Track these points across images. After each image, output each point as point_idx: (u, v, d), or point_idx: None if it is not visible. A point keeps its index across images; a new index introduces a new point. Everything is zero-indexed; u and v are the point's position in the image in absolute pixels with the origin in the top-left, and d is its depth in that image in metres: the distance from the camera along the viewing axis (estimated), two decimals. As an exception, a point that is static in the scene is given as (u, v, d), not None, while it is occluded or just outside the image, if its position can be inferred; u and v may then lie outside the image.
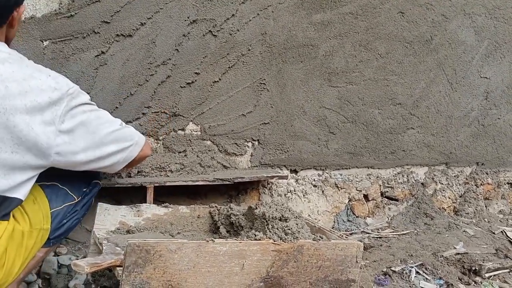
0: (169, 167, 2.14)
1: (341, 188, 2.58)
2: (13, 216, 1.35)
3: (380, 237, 2.46)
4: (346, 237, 1.63)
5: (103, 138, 1.37)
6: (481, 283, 2.07)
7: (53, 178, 1.48)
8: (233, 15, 2.14)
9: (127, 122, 2.05)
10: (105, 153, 1.39)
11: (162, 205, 1.83)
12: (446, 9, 2.59)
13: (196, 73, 2.13)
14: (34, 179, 1.34)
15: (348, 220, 2.59)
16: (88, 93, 1.89)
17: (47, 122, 1.26)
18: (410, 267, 2.10)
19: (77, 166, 1.39)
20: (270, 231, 1.48)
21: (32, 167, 1.29)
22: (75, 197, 1.52)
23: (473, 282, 2.07)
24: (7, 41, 1.38)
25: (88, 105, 1.37)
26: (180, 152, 2.18)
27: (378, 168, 2.65)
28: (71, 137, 1.31)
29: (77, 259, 1.40)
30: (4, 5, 1.28)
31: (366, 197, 2.66)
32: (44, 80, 1.28)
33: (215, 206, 1.83)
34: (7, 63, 1.26)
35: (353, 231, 2.53)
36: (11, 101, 1.22)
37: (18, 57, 1.32)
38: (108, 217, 1.68)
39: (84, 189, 1.56)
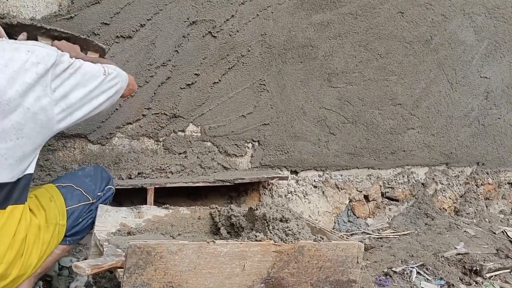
0: (169, 168, 2.14)
1: (342, 189, 2.58)
2: (30, 210, 1.40)
3: (380, 238, 2.46)
4: (346, 237, 1.63)
5: (92, 92, 1.43)
6: (482, 283, 2.06)
7: (69, 181, 1.58)
8: (232, 16, 2.14)
9: (127, 124, 2.06)
10: (97, 104, 1.46)
11: (163, 206, 1.83)
12: (446, 9, 2.59)
13: (196, 74, 2.13)
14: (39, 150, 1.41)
15: (349, 221, 2.59)
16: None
17: (40, 95, 1.30)
18: (411, 267, 2.10)
19: (76, 122, 1.45)
20: (270, 232, 1.47)
21: (39, 144, 1.35)
22: (90, 198, 1.59)
23: (474, 283, 2.07)
24: None
25: (71, 66, 1.39)
26: (180, 154, 2.18)
27: (379, 169, 2.65)
28: (66, 101, 1.36)
29: (78, 261, 1.40)
30: None
31: (366, 197, 2.66)
32: (25, 59, 1.28)
33: (216, 207, 1.83)
34: None
35: (353, 232, 2.53)
36: (2, 92, 1.23)
37: None
38: (109, 219, 1.68)
39: (99, 193, 1.64)
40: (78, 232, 1.57)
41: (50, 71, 1.32)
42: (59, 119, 1.35)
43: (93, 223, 1.62)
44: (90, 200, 1.59)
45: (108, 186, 1.68)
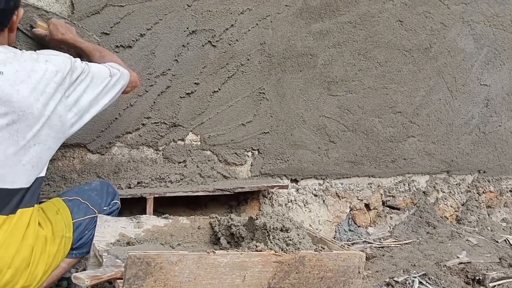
0: (169, 177, 2.13)
1: (342, 197, 2.57)
2: (38, 222, 1.42)
3: (382, 247, 2.44)
4: (348, 247, 1.62)
5: (99, 94, 1.50)
6: (485, 292, 2.05)
7: (75, 195, 1.61)
8: (232, 25, 2.15)
9: (127, 133, 2.05)
10: (102, 104, 1.53)
11: (162, 216, 1.82)
12: (445, 17, 2.60)
13: (195, 83, 2.13)
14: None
15: (350, 230, 2.58)
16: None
17: (57, 103, 1.37)
18: (413, 277, 2.08)
19: (85, 123, 1.51)
20: (271, 242, 1.46)
21: (54, 148, 1.42)
22: (96, 211, 1.61)
23: (477, 292, 2.05)
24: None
25: (83, 72, 1.46)
26: (180, 163, 2.17)
27: (379, 177, 2.64)
28: (78, 106, 1.44)
29: (77, 272, 1.39)
30: (6, 8, 1.34)
31: (367, 206, 2.65)
32: (45, 69, 1.35)
33: (216, 217, 1.82)
34: (8, 64, 1.31)
35: (354, 241, 2.51)
36: (25, 102, 1.30)
37: (12, 53, 1.36)
38: (108, 229, 1.67)
39: (105, 208, 1.66)
40: (84, 244, 1.58)
41: (67, 78, 1.39)
42: (72, 123, 1.43)
43: None
44: (96, 213, 1.60)
45: (114, 201, 1.70)
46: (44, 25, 1.75)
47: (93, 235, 1.59)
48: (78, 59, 1.47)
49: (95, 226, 1.60)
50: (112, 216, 1.70)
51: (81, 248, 1.58)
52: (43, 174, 1.41)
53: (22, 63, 1.32)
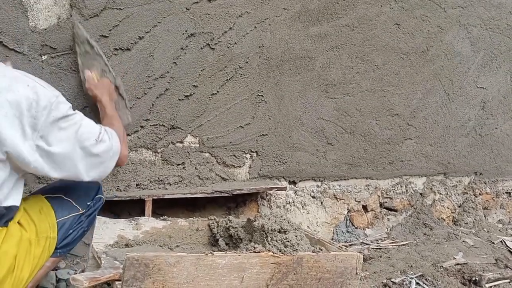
0: (167, 179, 2.13)
1: (340, 199, 2.58)
2: (20, 223, 1.38)
3: (379, 248, 2.45)
4: (345, 248, 1.63)
5: (78, 154, 1.37)
6: (482, 293, 2.06)
7: (58, 191, 1.54)
8: (230, 28, 2.16)
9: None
10: (76, 170, 1.39)
11: (161, 218, 1.82)
12: (442, 20, 2.62)
13: (194, 85, 2.14)
14: (22, 183, 1.35)
15: (347, 231, 2.59)
16: (86, 107, 1.92)
17: (25, 134, 1.25)
18: (410, 278, 2.09)
19: (53, 178, 1.43)
20: (269, 244, 1.47)
21: (16, 177, 1.31)
22: (80, 209, 1.55)
23: (474, 293, 2.06)
24: None
25: (66, 118, 1.33)
26: (178, 165, 2.18)
27: (377, 179, 2.66)
28: (49, 158, 1.31)
29: (76, 274, 1.39)
30: None
31: (365, 208, 2.66)
32: (22, 92, 1.24)
33: (214, 219, 1.82)
34: None
35: (352, 242, 2.52)
36: None
37: None
38: (107, 231, 1.68)
39: (88, 203, 1.59)
40: (69, 243, 1.54)
41: (43, 113, 1.26)
42: (35, 166, 1.30)
43: (83, 234, 1.59)
44: (80, 211, 1.55)
45: (98, 196, 1.63)
46: (97, 75, 1.80)
47: (79, 234, 1.56)
48: (67, 103, 1.35)
49: (79, 224, 1.55)
50: (96, 212, 1.63)
51: (66, 247, 1.54)
52: (14, 203, 1.31)
53: (0, 79, 1.24)
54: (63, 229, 1.49)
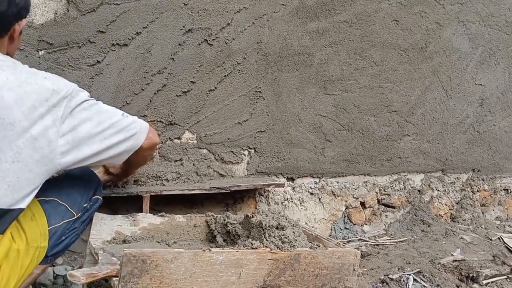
0: (165, 176, 2.13)
1: (338, 196, 2.58)
2: (10, 234, 1.32)
3: (377, 245, 2.45)
4: (343, 245, 1.63)
5: (105, 130, 1.35)
6: (479, 290, 2.07)
7: (53, 194, 1.45)
8: (228, 24, 2.15)
9: (123, 131, 2.05)
10: (109, 143, 1.36)
11: (158, 214, 1.82)
12: (440, 16, 2.62)
13: (191, 81, 2.14)
14: (39, 187, 1.30)
15: (345, 228, 2.59)
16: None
17: (47, 125, 1.24)
18: (407, 274, 2.09)
19: (85, 161, 1.35)
20: (267, 240, 1.47)
21: (38, 174, 1.27)
22: (75, 213, 1.48)
23: (471, 289, 2.07)
24: (8, 54, 1.34)
25: (87, 101, 1.33)
26: (176, 161, 2.18)
27: (375, 176, 2.66)
28: (73, 133, 1.29)
29: (73, 270, 1.39)
30: (6, 13, 1.24)
31: (363, 204, 2.66)
32: (41, 84, 1.24)
33: (212, 215, 1.82)
34: (1, 71, 1.22)
35: (350, 239, 2.53)
36: (8, 111, 1.19)
37: (11, 62, 1.28)
38: (104, 227, 1.67)
39: (85, 205, 1.53)
40: (60, 251, 1.48)
41: (64, 102, 1.26)
42: (63, 152, 1.27)
43: (76, 239, 1.53)
44: (74, 216, 1.47)
45: (96, 196, 1.57)
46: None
47: (72, 241, 1.50)
48: (85, 91, 1.35)
49: (72, 230, 1.48)
50: (92, 215, 1.58)
51: (57, 254, 1.48)
52: (23, 206, 1.27)
53: (17, 74, 1.23)
54: (55, 237, 1.42)
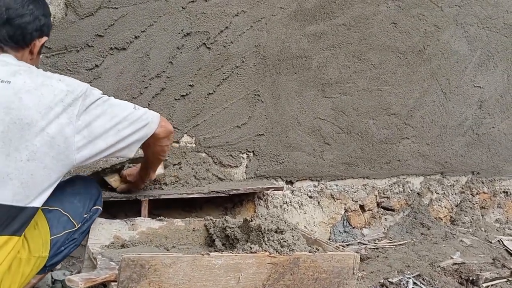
0: (163, 179, 2.12)
1: (337, 199, 2.57)
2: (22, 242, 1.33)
3: (376, 248, 2.45)
4: (342, 248, 1.62)
5: (118, 123, 1.41)
6: (479, 293, 2.06)
7: (56, 203, 1.47)
8: (226, 27, 2.15)
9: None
10: (123, 135, 1.42)
11: (157, 218, 1.81)
12: (438, 19, 2.62)
13: (190, 85, 2.13)
14: (54, 186, 1.34)
15: (345, 231, 2.58)
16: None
17: (63, 123, 1.30)
18: (407, 278, 2.09)
19: (99, 154, 1.40)
20: (266, 244, 1.46)
21: (54, 170, 1.31)
22: (76, 224, 1.51)
23: (471, 292, 2.06)
24: None
25: (100, 99, 1.40)
26: (174, 165, 2.17)
27: (374, 178, 2.65)
28: (89, 129, 1.35)
29: (71, 275, 1.38)
30: (24, 28, 1.34)
31: (362, 207, 2.65)
32: (56, 86, 1.31)
33: (210, 219, 1.82)
34: (18, 75, 1.28)
35: (349, 242, 2.52)
36: (26, 111, 1.25)
37: (27, 67, 1.34)
38: (103, 232, 1.67)
39: (85, 215, 1.56)
40: (58, 261, 1.50)
41: (78, 101, 1.33)
42: (79, 147, 1.32)
43: (74, 249, 1.54)
44: (75, 227, 1.50)
45: (96, 207, 1.60)
46: (116, 175, 1.87)
47: (70, 252, 1.51)
48: (97, 89, 1.42)
49: (72, 241, 1.50)
50: (91, 226, 1.60)
51: (55, 264, 1.50)
52: (37, 204, 1.30)
53: (33, 77, 1.30)
54: (55, 247, 1.45)
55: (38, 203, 1.31)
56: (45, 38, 1.41)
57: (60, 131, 1.29)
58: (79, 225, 1.53)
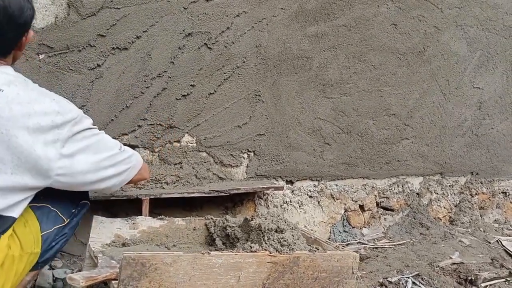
0: (164, 179, 2.14)
1: (337, 199, 2.59)
2: (8, 240, 1.34)
3: (376, 248, 2.46)
4: (342, 248, 1.63)
5: (102, 162, 1.42)
6: (477, 293, 2.07)
7: (44, 199, 1.48)
8: (228, 28, 2.16)
9: (123, 135, 2.06)
10: (103, 176, 1.44)
11: (158, 217, 1.82)
12: (438, 20, 2.63)
13: (191, 85, 2.14)
14: (30, 198, 1.35)
15: (344, 231, 2.59)
16: (83, 106, 1.92)
17: (48, 144, 1.29)
18: (406, 277, 2.10)
19: (75, 187, 1.42)
20: (266, 243, 1.47)
21: (30, 187, 1.32)
22: (65, 219, 1.51)
23: (469, 292, 2.07)
24: (13, 62, 1.42)
25: (89, 130, 1.40)
26: (175, 164, 2.18)
27: (374, 179, 2.66)
28: (71, 160, 1.35)
29: (72, 273, 1.39)
30: (16, 33, 1.33)
31: (362, 207, 2.66)
32: (48, 104, 1.31)
33: (211, 218, 1.83)
34: (13, 85, 1.28)
35: (349, 242, 2.53)
36: (15, 123, 1.24)
37: (23, 79, 1.35)
38: (104, 230, 1.68)
39: (73, 210, 1.55)
40: (50, 257, 1.51)
41: (68, 125, 1.32)
42: (58, 173, 1.32)
43: (65, 244, 1.54)
44: (64, 222, 1.51)
45: (83, 201, 1.59)
46: None
47: (61, 246, 1.52)
48: (89, 118, 1.42)
49: (62, 236, 1.51)
50: (80, 220, 1.60)
51: (47, 260, 1.50)
52: (15, 215, 1.30)
53: (28, 91, 1.30)
54: (47, 243, 1.46)
55: (16, 214, 1.31)
56: (31, 33, 1.40)
57: (45, 152, 1.28)
58: (68, 220, 1.52)
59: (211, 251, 1.39)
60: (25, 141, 1.26)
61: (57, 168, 1.32)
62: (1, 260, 1.30)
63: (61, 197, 1.51)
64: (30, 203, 1.42)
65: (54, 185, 1.36)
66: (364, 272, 2.13)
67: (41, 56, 1.88)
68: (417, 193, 2.79)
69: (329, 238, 2.55)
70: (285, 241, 1.48)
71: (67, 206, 1.53)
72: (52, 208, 1.49)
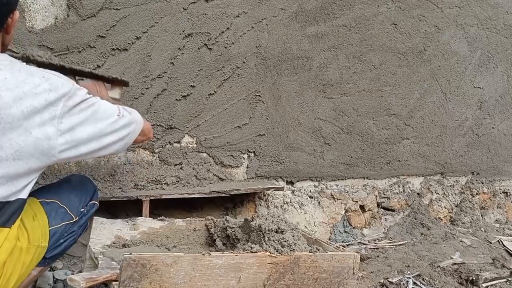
0: (165, 180, 2.13)
1: (338, 199, 2.58)
2: (17, 231, 1.35)
3: (377, 248, 2.45)
4: (342, 248, 1.63)
5: (102, 130, 1.40)
6: (479, 293, 2.07)
7: (54, 196, 1.50)
8: (227, 28, 2.16)
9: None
10: (106, 142, 1.42)
11: (158, 218, 1.82)
12: (439, 20, 2.63)
13: (191, 86, 2.14)
14: (37, 178, 1.36)
15: (345, 231, 2.59)
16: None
17: (46, 123, 1.28)
18: (407, 278, 2.10)
19: (81, 157, 1.41)
20: (266, 244, 1.47)
21: (36, 169, 1.31)
22: (74, 217, 1.52)
23: (471, 292, 2.07)
24: (3, 47, 1.38)
25: (85, 101, 1.38)
26: (176, 165, 2.18)
27: (374, 179, 2.66)
28: (72, 134, 1.33)
29: (73, 274, 1.39)
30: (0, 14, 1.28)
31: (362, 208, 2.66)
32: (38, 83, 1.27)
33: (211, 219, 1.83)
34: None
35: (350, 242, 2.53)
36: (7, 110, 1.22)
37: (9, 61, 1.31)
38: (104, 231, 1.68)
39: (82, 209, 1.56)
40: (58, 253, 1.51)
41: (61, 101, 1.30)
42: (61, 150, 1.31)
43: (74, 242, 1.56)
44: (73, 219, 1.52)
45: (92, 202, 1.61)
46: (71, 77, 1.73)
47: (70, 244, 1.53)
48: (83, 89, 1.38)
49: (71, 234, 1.52)
50: (88, 220, 1.61)
51: (55, 256, 1.51)
52: (23, 196, 1.31)
53: (15, 73, 1.26)
54: (54, 238, 1.46)
55: (24, 194, 1.31)
56: (16, 14, 1.35)
57: (43, 131, 1.27)
58: (77, 218, 1.53)
59: (211, 251, 1.39)
60: (20, 126, 1.24)
61: (59, 144, 1.30)
62: (10, 249, 1.31)
63: (71, 196, 1.53)
64: (39, 198, 1.46)
65: (60, 161, 1.35)
66: (365, 273, 2.13)
67: (41, 57, 1.88)
68: (418, 193, 2.79)
69: (329, 239, 2.55)
70: (285, 241, 1.48)
71: (76, 204, 1.54)
72: (61, 205, 1.50)
